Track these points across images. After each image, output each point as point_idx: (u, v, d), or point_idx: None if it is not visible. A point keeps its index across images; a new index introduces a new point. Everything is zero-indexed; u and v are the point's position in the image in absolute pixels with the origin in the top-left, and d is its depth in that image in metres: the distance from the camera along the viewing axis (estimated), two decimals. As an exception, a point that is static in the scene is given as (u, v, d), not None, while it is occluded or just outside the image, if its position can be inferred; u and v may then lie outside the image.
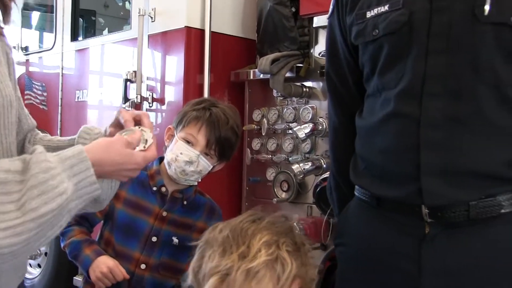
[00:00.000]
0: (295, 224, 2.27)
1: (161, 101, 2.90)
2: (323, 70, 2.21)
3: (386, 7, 1.20)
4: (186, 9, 2.78)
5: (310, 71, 2.56)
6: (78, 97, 3.53)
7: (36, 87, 3.88)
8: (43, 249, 3.53)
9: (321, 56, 2.51)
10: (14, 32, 4.08)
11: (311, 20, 2.55)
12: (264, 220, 1.10)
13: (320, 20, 2.49)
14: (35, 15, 4.53)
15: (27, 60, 4.08)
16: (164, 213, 1.74)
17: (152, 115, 2.90)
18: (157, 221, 1.74)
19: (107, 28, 4.16)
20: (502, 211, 1.11)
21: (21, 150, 1.16)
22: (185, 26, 2.76)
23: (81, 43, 3.65)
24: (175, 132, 1.74)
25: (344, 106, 1.39)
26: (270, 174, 2.63)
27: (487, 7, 1.09)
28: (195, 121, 1.71)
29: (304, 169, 2.36)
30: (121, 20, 4.37)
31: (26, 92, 3.91)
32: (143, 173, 1.75)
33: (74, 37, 3.67)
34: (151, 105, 2.92)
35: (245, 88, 2.83)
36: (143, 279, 1.72)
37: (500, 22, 1.09)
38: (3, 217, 0.84)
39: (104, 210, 1.70)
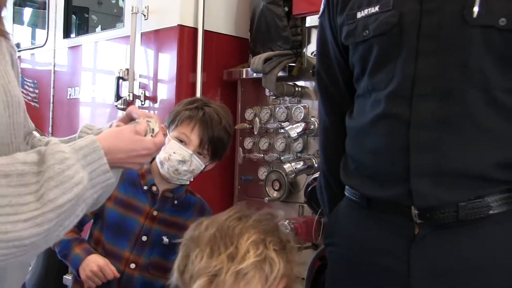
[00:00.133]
0: (286, 223, 2.28)
1: (153, 99, 2.89)
2: (316, 70, 2.21)
3: (377, 8, 1.20)
4: (179, 8, 2.77)
5: (302, 70, 2.57)
6: (70, 95, 3.52)
7: (28, 84, 3.87)
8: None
9: (314, 56, 2.51)
10: (6, 28, 4.04)
11: (303, 20, 2.55)
12: (251, 218, 1.10)
13: (312, 20, 2.49)
14: (27, 12, 4.51)
15: (19, 57, 4.05)
16: (155, 213, 1.74)
17: (144, 113, 2.89)
18: (148, 221, 1.74)
19: (100, 26, 4.15)
20: (491, 212, 1.11)
21: None
22: (178, 25, 2.76)
23: (74, 40, 3.64)
24: (167, 131, 1.74)
25: (334, 106, 1.39)
26: (262, 173, 2.63)
27: (476, 9, 1.09)
28: (188, 121, 1.71)
29: (295, 168, 2.37)
30: (114, 17, 4.36)
31: (17, 89, 3.89)
32: (134, 172, 1.74)
33: (66, 34, 3.65)
34: (143, 103, 2.91)
35: (237, 87, 2.84)
36: (133, 278, 1.72)
37: (489, 25, 1.09)
38: (23, 209, 0.85)
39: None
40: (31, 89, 3.85)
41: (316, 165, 2.37)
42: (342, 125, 1.33)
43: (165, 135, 1.72)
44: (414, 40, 1.14)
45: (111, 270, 1.64)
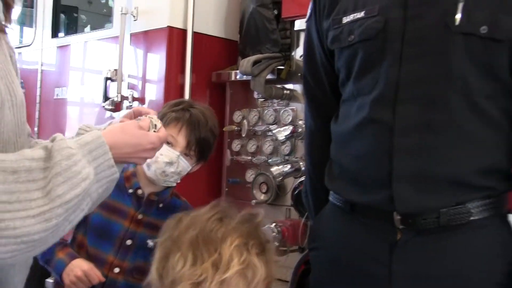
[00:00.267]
0: (272, 226, 2.28)
1: (141, 100, 2.88)
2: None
3: (362, 14, 1.21)
4: (168, 9, 2.76)
5: (291, 73, 2.57)
6: (57, 95, 3.49)
7: (15, 83, 3.83)
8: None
9: (302, 59, 2.51)
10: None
11: (292, 23, 2.56)
12: (232, 219, 1.09)
13: (301, 23, 2.49)
14: (16, 9, 4.47)
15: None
16: (140, 216, 1.73)
17: (132, 114, 2.87)
18: (133, 224, 1.72)
19: (89, 25, 4.13)
20: (471, 218, 1.13)
21: None
22: (167, 26, 2.75)
23: (62, 40, 3.61)
24: None
25: (320, 110, 1.40)
26: (250, 175, 2.63)
27: (458, 17, 1.11)
28: (175, 122, 1.71)
29: (283, 171, 2.37)
30: (104, 17, 4.34)
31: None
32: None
33: (54, 34, 3.62)
34: (131, 104, 2.90)
35: (226, 89, 2.83)
36: (117, 283, 1.70)
37: (470, 32, 1.11)
38: (31, 204, 0.86)
39: None
40: (18, 89, 3.81)
41: (303, 168, 2.37)
42: (328, 129, 1.34)
43: None
44: (398, 46, 1.15)
45: (96, 275, 1.63)
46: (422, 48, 1.14)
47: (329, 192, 1.34)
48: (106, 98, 2.94)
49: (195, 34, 2.77)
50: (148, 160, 1.68)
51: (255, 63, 2.54)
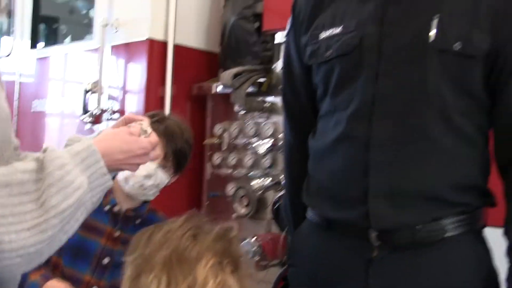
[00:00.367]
0: (253, 240, 2.26)
1: (121, 113, 2.85)
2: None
3: (339, 29, 1.22)
4: (149, 21, 2.75)
5: (272, 86, 2.57)
6: (35, 107, 3.44)
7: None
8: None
9: (281, 73, 2.51)
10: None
11: (273, 36, 2.56)
12: (207, 235, 1.05)
13: (282, 36, 2.49)
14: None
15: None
16: (117, 233, 1.70)
17: (111, 127, 2.85)
18: (109, 242, 1.69)
19: (70, 36, 4.09)
20: (446, 234, 1.13)
21: None
22: (148, 38, 2.73)
23: (42, 51, 3.57)
24: None
25: (299, 125, 1.40)
26: (230, 189, 2.61)
27: (432, 33, 1.12)
28: None
29: (263, 185, 2.36)
30: (85, 27, 4.30)
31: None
32: None
33: (33, 44, 3.58)
34: (111, 117, 2.87)
35: (207, 102, 2.82)
36: (94, 302, 1.67)
37: (445, 49, 1.12)
38: (26, 217, 0.86)
39: None
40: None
41: (284, 181, 2.36)
42: (306, 144, 1.33)
43: None
44: (375, 62, 1.16)
45: None
46: (397, 64, 1.15)
47: (307, 208, 1.34)
48: (85, 110, 2.91)
49: (176, 46, 2.76)
50: (126, 174, 1.66)
51: (236, 75, 2.54)
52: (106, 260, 1.68)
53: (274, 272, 2.28)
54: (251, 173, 2.53)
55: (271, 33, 2.56)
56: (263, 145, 2.40)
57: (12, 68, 3.64)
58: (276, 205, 2.25)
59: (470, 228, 1.16)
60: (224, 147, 2.66)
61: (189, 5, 2.86)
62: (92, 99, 2.92)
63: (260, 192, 2.37)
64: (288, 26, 1.41)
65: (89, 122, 2.86)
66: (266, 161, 2.47)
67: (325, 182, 1.23)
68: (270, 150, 2.42)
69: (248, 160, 2.55)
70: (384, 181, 1.13)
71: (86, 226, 1.65)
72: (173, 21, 2.75)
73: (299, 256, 1.33)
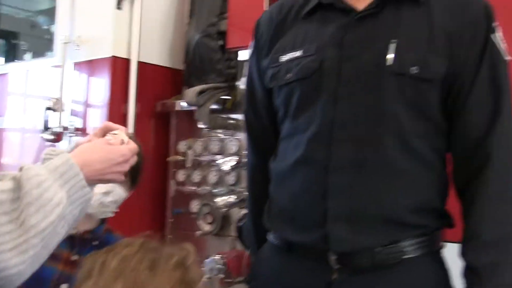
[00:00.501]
0: (217, 258, 2.25)
1: (83, 130, 2.82)
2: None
3: (300, 53, 1.23)
4: (112, 38, 2.73)
5: (236, 103, 2.58)
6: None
7: None
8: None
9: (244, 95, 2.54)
10: None
11: (237, 53, 2.58)
12: (165, 265, 1.00)
13: (246, 54, 2.52)
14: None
15: None
16: (74, 257, 1.67)
17: (73, 145, 2.81)
18: (67, 267, 1.66)
19: (32, 52, 4.01)
20: (405, 256, 1.14)
21: None
22: (111, 56, 2.72)
23: (0, 67, 3.50)
24: None
25: (261, 147, 1.40)
26: (195, 206, 2.61)
27: (390, 57, 1.14)
28: None
29: (228, 202, 2.37)
30: (47, 42, 4.24)
31: None
32: None
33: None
34: (73, 135, 2.83)
35: (171, 119, 2.82)
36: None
37: (402, 73, 1.14)
38: (6, 238, 0.86)
39: None
40: None
41: (247, 202, 2.37)
42: (268, 166, 1.33)
43: None
44: (334, 85, 1.17)
45: None
46: (356, 88, 1.16)
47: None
48: (46, 128, 2.86)
49: (140, 64, 2.75)
50: None
51: (200, 93, 2.55)
52: (64, 286, 1.64)
53: (239, 290, 2.29)
54: (216, 190, 2.53)
55: (235, 50, 2.58)
56: (228, 162, 2.41)
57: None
58: (241, 223, 2.25)
59: (428, 250, 1.17)
60: (188, 164, 2.66)
61: (152, 22, 2.86)
62: (53, 116, 2.87)
63: (224, 209, 2.38)
64: (250, 49, 1.42)
65: (50, 140, 2.81)
66: (231, 178, 2.48)
67: (286, 204, 1.24)
68: (235, 167, 2.43)
69: (212, 177, 2.56)
70: (343, 204, 1.14)
71: None
72: (137, 39, 2.74)
73: (260, 278, 1.32)
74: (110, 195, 1.65)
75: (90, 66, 2.83)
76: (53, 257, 1.61)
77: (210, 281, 2.22)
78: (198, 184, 2.62)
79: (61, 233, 0.94)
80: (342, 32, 1.21)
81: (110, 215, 1.73)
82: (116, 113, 2.75)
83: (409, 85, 1.14)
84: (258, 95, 1.37)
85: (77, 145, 1.14)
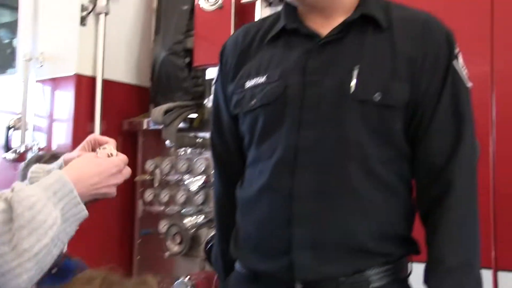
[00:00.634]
0: (186, 279, 2.22)
1: (48, 150, 2.75)
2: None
3: (264, 79, 1.22)
4: (77, 56, 2.68)
5: (203, 122, 2.57)
6: None
7: None
8: None
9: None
10: None
11: (204, 71, 2.57)
12: None
13: (213, 72, 2.51)
14: None
15: None
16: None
17: (37, 165, 2.74)
18: None
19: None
20: (371, 285, 1.13)
21: None
22: (75, 74, 2.67)
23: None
24: None
25: (228, 174, 1.38)
26: (163, 226, 2.57)
27: (353, 84, 1.14)
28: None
29: (196, 222, 2.34)
30: (9, 56, 4.13)
31: None
32: None
33: None
34: (37, 153, 2.75)
35: (138, 137, 2.78)
36: None
37: (365, 99, 1.13)
38: (1, 261, 0.84)
39: None
40: None
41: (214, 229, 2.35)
42: (235, 193, 1.31)
43: None
44: (297, 112, 1.16)
45: None
46: (319, 114, 1.15)
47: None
48: (8, 148, 2.78)
49: (105, 81, 2.71)
50: None
51: (167, 111, 2.52)
52: None
53: (209, 312, 2.26)
54: (184, 210, 2.51)
55: (202, 68, 2.57)
56: (196, 182, 2.39)
57: None
58: (209, 246, 2.22)
59: (394, 278, 1.17)
60: (156, 183, 2.62)
61: (118, 40, 2.82)
62: (15, 135, 2.80)
63: (193, 229, 2.35)
64: (216, 74, 1.40)
65: (12, 160, 2.74)
66: (199, 198, 2.46)
67: (252, 233, 1.22)
68: (203, 186, 2.41)
69: (180, 197, 2.53)
70: (307, 232, 1.12)
71: None
72: (101, 56, 2.70)
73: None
74: None
75: (54, 83, 2.77)
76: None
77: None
78: (166, 204, 2.59)
79: (55, 252, 0.92)
80: (305, 57, 1.20)
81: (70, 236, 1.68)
82: (82, 132, 2.69)
83: (372, 112, 1.14)
84: (224, 121, 1.35)
85: (65, 161, 1.12)
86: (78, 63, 2.68)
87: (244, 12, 2.46)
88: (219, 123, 1.37)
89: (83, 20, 2.70)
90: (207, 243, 2.26)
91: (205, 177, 2.42)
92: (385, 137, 1.15)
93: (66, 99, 2.72)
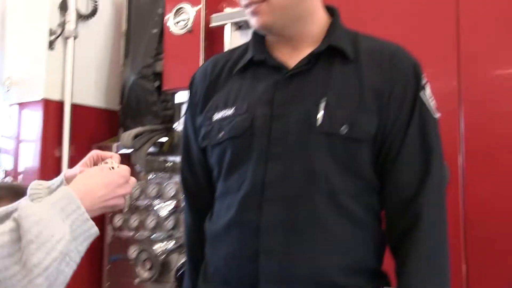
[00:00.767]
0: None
1: (14, 175, 2.70)
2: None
3: (231, 111, 1.21)
4: (44, 80, 2.66)
5: (173, 146, 2.56)
6: None
7: None
8: None
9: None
10: None
11: (174, 95, 2.57)
12: None
13: (182, 96, 2.52)
14: None
15: None
16: None
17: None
18: None
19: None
20: None
21: None
22: (43, 98, 2.64)
23: None
24: None
25: (197, 206, 1.36)
26: (133, 252, 2.53)
27: (319, 117, 1.13)
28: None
29: (166, 248, 2.32)
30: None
31: None
32: None
33: None
34: (3, 179, 2.71)
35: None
36: None
37: (332, 132, 1.12)
38: (12, 281, 0.84)
39: None
40: None
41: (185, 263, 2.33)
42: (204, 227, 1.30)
43: None
44: (265, 144, 1.15)
45: None
46: (286, 147, 1.14)
47: None
48: (-28, 174, 2.73)
49: (74, 106, 2.69)
50: None
51: (137, 136, 2.51)
52: None
53: None
54: (154, 235, 2.48)
55: (172, 92, 2.57)
56: (166, 207, 2.38)
57: None
58: (179, 273, 2.21)
59: None
60: (126, 208, 2.59)
61: (87, 63, 2.81)
62: (-20, 161, 2.75)
63: (163, 255, 2.33)
64: (185, 107, 1.39)
65: (-23, 186, 2.68)
66: (169, 223, 2.44)
67: (220, 266, 1.20)
68: (173, 211, 2.39)
69: (150, 222, 2.50)
70: (274, 266, 1.11)
71: None
72: (70, 80, 2.69)
73: None
74: None
75: (21, 108, 2.74)
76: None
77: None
78: (136, 229, 2.56)
79: (66, 271, 0.90)
80: (272, 89, 1.19)
81: None
82: (50, 156, 2.66)
83: (339, 145, 1.13)
84: (194, 153, 1.34)
85: (66, 178, 1.12)
86: (46, 88, 2.66)
87: (214, 36, 2.48)
88: (188, 155, 1.36)
89: (51, 44, 2.68)
90: (178, 270, 2.24)
91: (175, 202, 2.40)
92: (353, 169, 1.14)
93: (33, 123, 2.69)
